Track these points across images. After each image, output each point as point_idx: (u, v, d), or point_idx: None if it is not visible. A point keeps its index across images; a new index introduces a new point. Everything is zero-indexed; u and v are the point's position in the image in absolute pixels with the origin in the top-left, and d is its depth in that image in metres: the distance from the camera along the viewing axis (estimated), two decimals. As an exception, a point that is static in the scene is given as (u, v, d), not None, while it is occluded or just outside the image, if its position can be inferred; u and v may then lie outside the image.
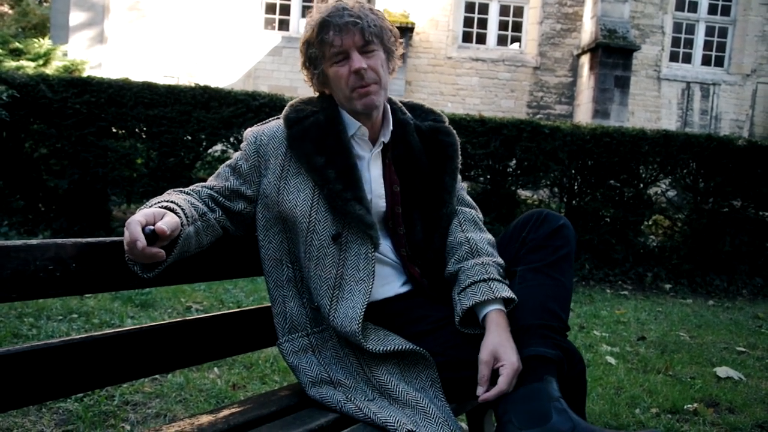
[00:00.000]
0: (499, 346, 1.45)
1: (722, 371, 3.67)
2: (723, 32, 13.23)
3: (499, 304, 1.53)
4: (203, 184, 1.62)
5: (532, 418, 1.34)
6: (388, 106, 1.72)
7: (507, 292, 1.52)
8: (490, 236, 1.72)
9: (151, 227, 1.27)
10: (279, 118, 1.69)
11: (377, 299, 1.63)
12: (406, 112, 1.77)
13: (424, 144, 1.73)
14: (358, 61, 1.56)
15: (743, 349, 4.33)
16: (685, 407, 3.04)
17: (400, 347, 1.50)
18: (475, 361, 1.47)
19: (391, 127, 1.69)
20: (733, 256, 7.00)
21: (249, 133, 1.66)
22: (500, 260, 1.63)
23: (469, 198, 1.84)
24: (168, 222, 1.30)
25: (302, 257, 1.60)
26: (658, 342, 4.36)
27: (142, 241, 1.23)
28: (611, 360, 3.77)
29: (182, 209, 1.40)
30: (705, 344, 4.42)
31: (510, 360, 1.42)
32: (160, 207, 1.37)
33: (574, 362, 1.50)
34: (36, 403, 1.39)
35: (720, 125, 13.03)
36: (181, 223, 1.36)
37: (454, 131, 1.80)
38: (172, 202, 1.41)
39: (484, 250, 1.63)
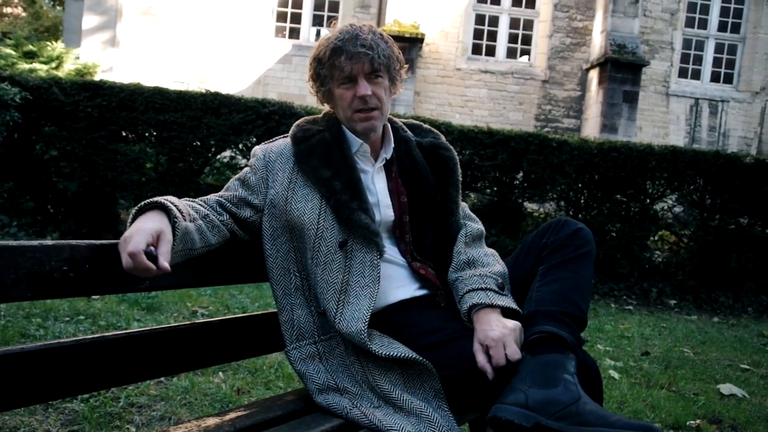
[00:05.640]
0: (481, 332, 1.51)
1: (726, 388, 3.66)
2: (732, 49, 13.23)
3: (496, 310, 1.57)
4: (212, 195, 1.67)
5: (543, 381, 1.39)
6: (389, 125, 1.81)
7: (502, 301, 1.57)
8: (490, 250, 1.79)
9: (152, 249, 1.29)
10: (286, 136, 1.78)
11: (394, 301, 1.68)
12: (407, 130, 1.87)
13: (427, 158, 1.82)
14: (364, 88, 1.65)
15: (747, 367, 4.32)
16: (688, 423, 3.04)
17: (404, 355, 1.52)
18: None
19: (392, 145, 1.78)
20: (739, 274, 6.99)
21: (257, 149, 1.75)
22: (498, 269, 1.68)
23: (472, 213, 1.92)
24: (165, 251, 1.31)
25: (309, 263, 1.64)
26: (661, 357, 4.36)
27: (151, 270, 1.28)
28: (614, 374, 3.77)
29: (175, 205, 1.42)
30: (709, 361, 4.42)
31: (492, 337, 1.48)
32: (150, 203, 1.40)
33: (590, 377, 1.51)
34: (45, 401, 1.41)
35: (728, 142, 13.00)
36: (173, 216, 1.38)
37: (452, 147, 1.90)
38: (165, 199, 1.43)
39: (480, 260, 1.71)
